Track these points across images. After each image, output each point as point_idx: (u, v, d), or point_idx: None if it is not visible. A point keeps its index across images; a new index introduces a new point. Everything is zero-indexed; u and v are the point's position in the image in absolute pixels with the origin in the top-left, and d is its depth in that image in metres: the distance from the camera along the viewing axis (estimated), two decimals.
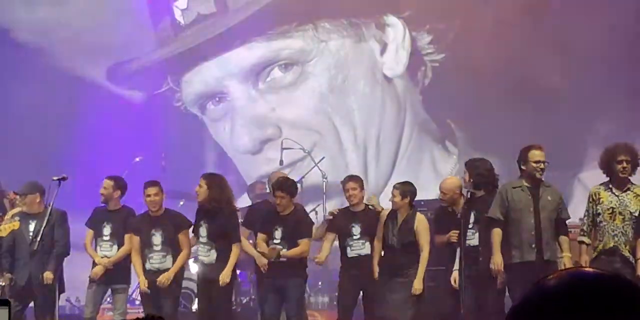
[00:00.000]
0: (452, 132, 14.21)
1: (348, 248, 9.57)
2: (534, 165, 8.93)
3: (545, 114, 13.26)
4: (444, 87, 14.03)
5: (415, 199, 10.43)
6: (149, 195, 9.74)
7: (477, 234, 9.13)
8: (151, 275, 9.70)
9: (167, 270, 9.66)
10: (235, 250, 9.46)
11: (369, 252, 9.51)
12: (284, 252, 9.26)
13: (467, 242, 9.08)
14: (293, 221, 9.37)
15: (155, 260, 9.72)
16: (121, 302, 9.95)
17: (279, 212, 9.43)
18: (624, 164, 8.84)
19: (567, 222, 9.13)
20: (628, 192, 8.94)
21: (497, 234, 8.91)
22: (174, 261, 9.70)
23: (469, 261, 8.97)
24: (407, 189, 9.51)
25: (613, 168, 8.89)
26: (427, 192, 12.53)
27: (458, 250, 9.15)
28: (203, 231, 9.54)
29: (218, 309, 9.48)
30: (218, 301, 9.48)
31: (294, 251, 9.30)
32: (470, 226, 9.13)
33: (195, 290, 10.32)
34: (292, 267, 9.31)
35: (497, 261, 8.80)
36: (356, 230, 9.57)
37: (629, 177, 8.97)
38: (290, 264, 9.32)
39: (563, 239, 8.95)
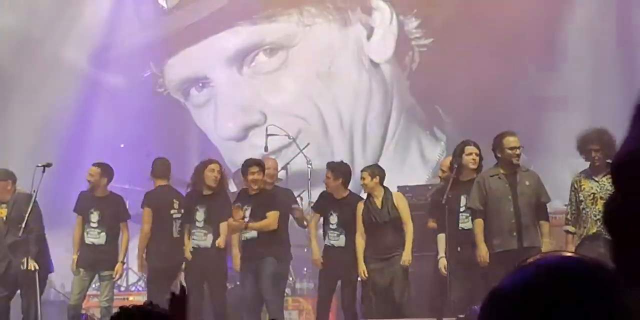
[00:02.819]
0: (440, 118, 14.45)
1: (326, 236, 10.04)
2: (510, 151, 9.25)
3: (535, 99, 13.62)
4: (431, 73, 14.21)
5: (401, 184, 10.91)
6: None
7: (470, 218, 9.42)
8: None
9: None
10: (225, 228, 10.03)
11: (343, 244, 9.90)
12: (251, 224, 9.71)
13: (461, 225, 9.41)
14: (264, 197, 9.91)
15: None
16: (108, 289, 10.38)
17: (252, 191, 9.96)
18: (593, 154, 9.21)
19: (551, 207, 9.50)
20: (608, 176, 9.34)
21: (478, 224, 9.25)
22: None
23: (463, 245, 9.32)
24: (374, 170, 9.88)
25: (588, 156, 9.30)
26: (415, 178, 12.96)
27: (441, 236, 9.49)
28: (200, 216, 10.04)
29: (213, 294, 10.01)
30: (215, 290, 10.01)
31: (260, 223, 9.74)
32: (462, 210, 9.45)
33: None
34: (263, 246, 9.75)
35: (481, 252, 9.14)
36: (333, 219, 10.02)
37: (607, 161, 9.29)
38: (262, 242, 9.75)
39: (543, 224, 9.25)
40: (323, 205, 10.12)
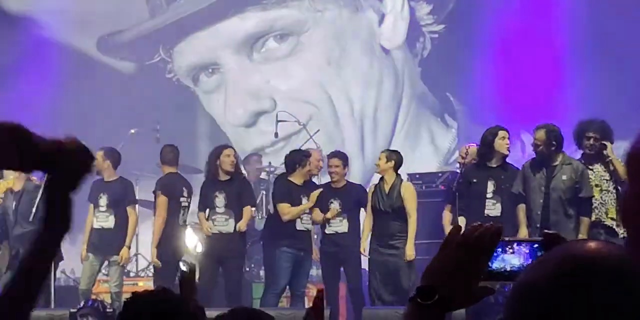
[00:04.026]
0: (451, 105, 14.58)
1: (327, 224, 10.22)
2: (536, 145, 9.42)
3: (547, 86, 13.73)
4: (443, 59, 14.36)
5: (412, 172, 11.07)
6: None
7: (497, 205, 9.55)
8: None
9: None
10: (249, 212, 10.33)
11: (346, 229, 10.15)
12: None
13: (487, 212, 9.49)
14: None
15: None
16: (118, 274, 10.56)
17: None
18: (591, 142, 9.37)
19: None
20: (602, 163, 9.46)
21: (521, 209, 9.39)
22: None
23: None
24: (392, 154, 10.05)
25: (582, 144, 9.45)
26: (426, 166, 13.09)
27: (461, 219, 9.52)
28: (220, 202, 10.24)
29: (231, 280, 10.22)
30: (232, 272, 10.22)
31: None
32: (489, 196, 9.55)
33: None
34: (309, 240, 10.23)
35: (521, 235, 9.15)
36: (335, 206, 10.20)
37: (602, 151, 9.42)
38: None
39: (582, 220, 9.27)
40: (320, 197, 10.33)
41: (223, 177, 10.30)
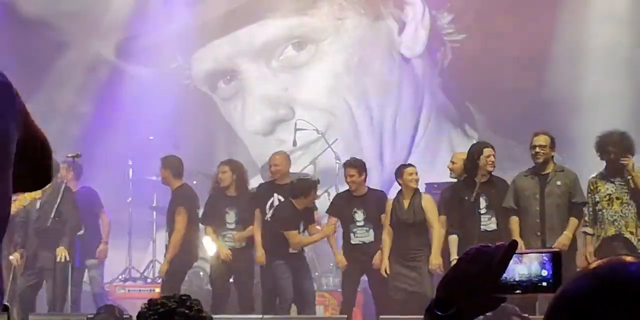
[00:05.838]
0: (472, 115, 14.64)
1: (352, 234, 10.34)
2: (532, 150, 9.64)
3: (568, 97, 13.85)
4: (464, 69, 14.43)
5: (430, 181, 11.23)
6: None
7: (493, 219, 9.72)
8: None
9: None
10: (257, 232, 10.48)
11: (372, 239, 10.26)
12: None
13: (483, 227, 9.67)
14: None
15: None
16: (97, 276, 11.05)
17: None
18: (612, 156, 9.54)
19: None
20: (624, 177, 9.61)
21: (514, 222, 9.60)
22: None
23: None
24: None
25: (605, 156, 9.63)
26: (445, 175, 13.22)
27: (453, 238, 9.80)
28: (230, 217, 10.41)
29: (243, 289, 10.44)
30: (244, 283, 10.48)
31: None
32: (483, 211, 9.73)
33: (208, 270, 11.15)
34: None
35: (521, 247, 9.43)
36: (359, 216, 10.35)
37: (622, 163, 9.58)
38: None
39: (571, 220, 9.53)
40: (342, 206, 10.46)
41: (230, 193, 10.50)
